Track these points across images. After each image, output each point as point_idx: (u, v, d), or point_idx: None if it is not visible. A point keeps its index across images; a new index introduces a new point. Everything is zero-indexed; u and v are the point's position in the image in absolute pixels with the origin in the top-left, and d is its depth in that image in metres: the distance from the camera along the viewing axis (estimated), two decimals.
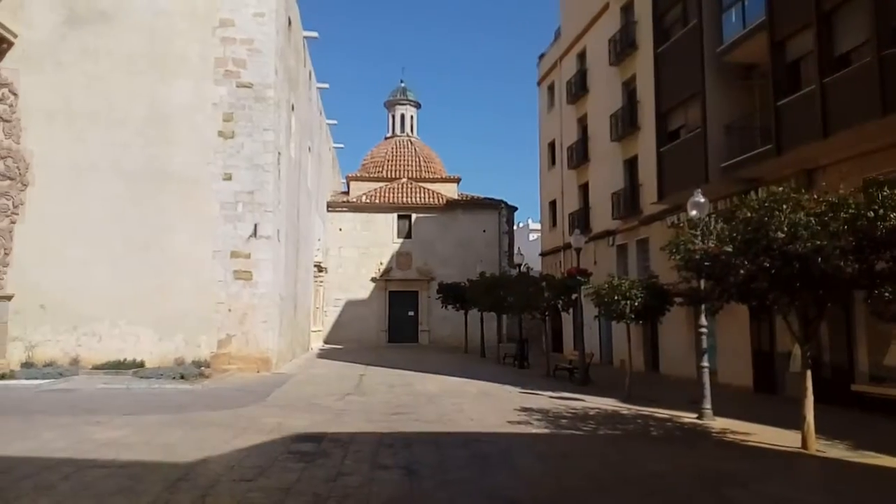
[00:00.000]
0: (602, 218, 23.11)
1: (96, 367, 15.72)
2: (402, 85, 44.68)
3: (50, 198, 16.53)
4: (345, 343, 32.51)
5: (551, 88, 29.47)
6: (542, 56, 31.00)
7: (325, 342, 32.89)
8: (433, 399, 12.61)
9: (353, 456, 7.39)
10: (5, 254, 16.33)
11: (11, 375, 14.39)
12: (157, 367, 15.58)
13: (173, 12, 17.46)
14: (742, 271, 7.95)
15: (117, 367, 15.70)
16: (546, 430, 9.42)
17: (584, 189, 25.45)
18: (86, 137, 16.87)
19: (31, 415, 9.81)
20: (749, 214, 8.01)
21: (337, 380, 16.07)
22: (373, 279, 35.04)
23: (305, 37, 24.65)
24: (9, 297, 16.16)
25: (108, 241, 16.52)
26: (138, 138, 17.04)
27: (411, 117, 44.13)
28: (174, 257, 16.74)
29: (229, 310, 16.84)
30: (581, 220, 24.53)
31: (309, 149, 26.71)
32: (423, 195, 36.61)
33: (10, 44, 16.80)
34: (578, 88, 25.62)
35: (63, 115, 16.85)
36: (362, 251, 35.07)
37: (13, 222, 16.44)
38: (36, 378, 14.10)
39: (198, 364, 16.02)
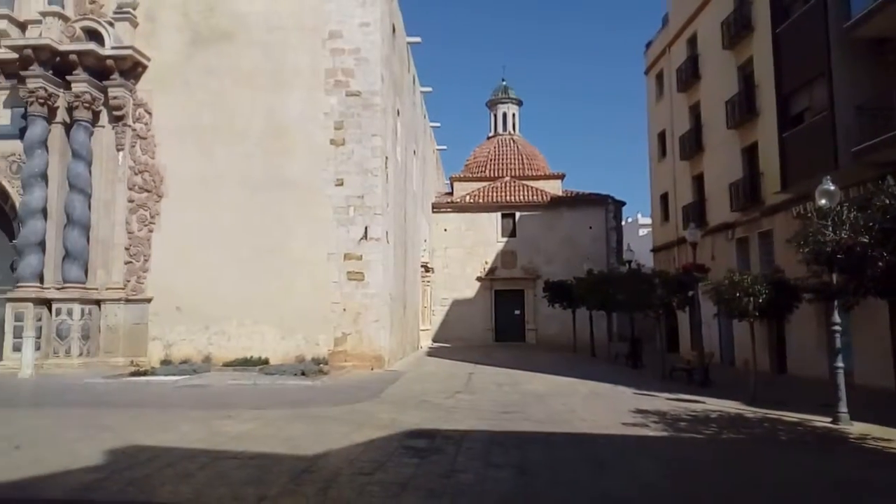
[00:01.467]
0: (719, 210, 21.95)
1: (226, 364, 16.89)
2: (504, 83, 44.62)
3: (182, 208, 17.96)
4: (452, 342, 32.93)
5: (660, 77, 28.35)
6: (649, 44, 29.90)
7: (434, 341, 33.46)
8: (542, 398, 12.51)
9: (465, 453, 7.48)
10: (145, 260, 17.92)
11: (152, 372, 15.76)
12: (280, 364, 16.50)
13: (287, 28, 18.43)
14: (881, 264, 7.29)
15: (245, 363, 16.79)
16: (663, 433, 9.08)
17: (698, 180, 24.28)
18: (212, 150, 18.17)
19: (170, 408, 10.69)
20: (887, 202, 7.33)
21: (446, 378, 16.32)
22: (478, 278, 35.24)
23: (409, 42, 25.22)
24: (149, 300, 17.74)
25: (235, 246, 17.70)
26: (259, 149, 18.14)
27: (513, 115, 43.99)
28: (293, 260, 17.66)
29: (344, 309, 17.54)
30: (696, 213, 23.40)
31: (414, 152, 27.29)
32: (526, 193, 36.39)
33: (145, 67, 18.41)
34: (689, 75, 24.48)
35: (191, 131, 18.24)
36: (467, 251, 35.36)
37: (151, 231, 18.00)
38: (173, 374, 15.33)
39: (317, 361, 16.82)
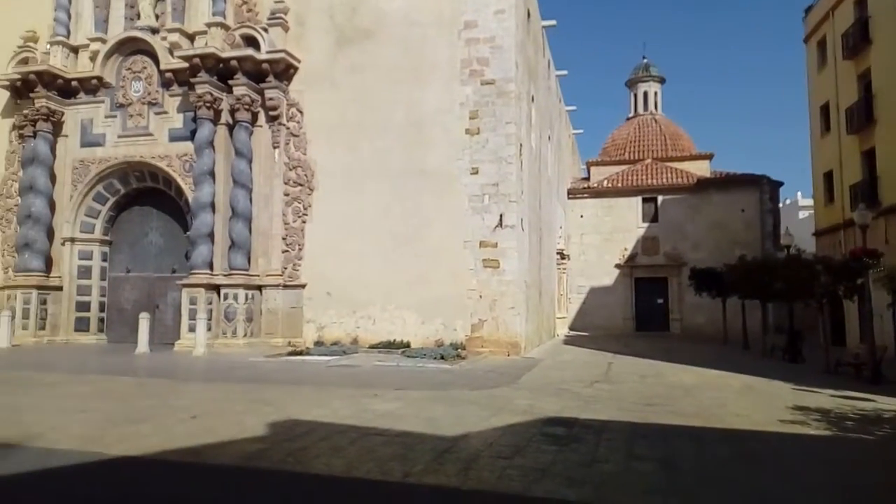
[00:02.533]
0: (893, 189, 19.59)
1: (372, 346, 17.80)
2: (645, 61, 42.77)
3: (330, 200, 19.10)
4: (589, 330, 32.26)
5: (822, 44, 25.72)
6: (808, 9, 27.20)
7: (570, 329, 33.00)
8: (690, 391, 11.92)
9: (606, 444, 7.33)
10: (299, 249, 19.28)
11: (307, 352, 16.98)
12: (420, 348, 17.12)
13: (424, 23, 18.89)
14: None
15: (388, 346, 17.60)
16: (827, 433, 8.32)
17: (868, 156, 21.82)
18: (357, 145, 19.11)
19: (324, 386, 11.46)
20: None
21: (584, 367, 16.04)
22: (617, 265, 34.17)
23: (544, 26, 24.87)
24: (303, 286, 19.10)
25: (378, 235, 18.55)
26: (398, 142, 18.82)
27: (655, 94, 42.05)
28: (431, 248, 18.19)
29: (480, 296, 17.80)
30: (866, 192, 21.05)
31: (549, 137, 26.93)
32: (669, 175, 34.65)
33: (296, 69, 19.71)
34: (858, 40, 21.99)
35: (338, 127, 19.29)
36: (605, 237, 34.37)
37: (304, 222, 19.32)
38: (325, 355, 16.42)
39: (455, 346, 17.24)
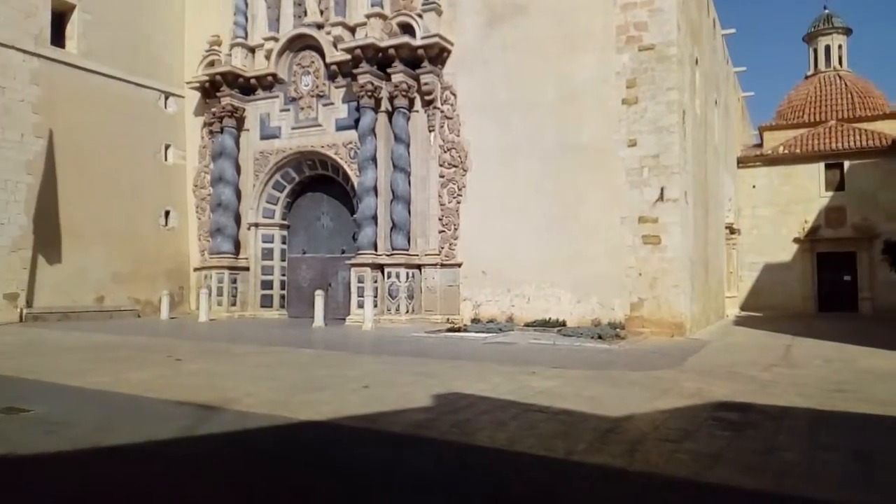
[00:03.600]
0: None
1: (527, 325, 17.89)
2: (826, 12, 38.35)
3: (483, 179, 19.33)
4: (763, 310, 29.86)
5: None
6: None
7: (741, 309, 30.78)
8: (884, 378, 10.66)
9: (786, 431, 6.80)
10: (455, 229, 19.78)
11: (465, 329, 17.47)
12: (576, 327, 16.91)
13: None
14: None
15: (543, 325, 17.58)
16: None
17: None
18: (508, 123, 19.13)
19: (483, 362, 11.74)
20: None
21: (758, 349, 14.91)
22: (795, 240, 31.21)
23: None
24: (459, 265, 19.61)
25: (531, 213, 18.51)
26: (550, 117, 18.55)
27: (839, 47, 37.57)
28: (586, 225, 17.81)
29: (639, 274, 17.15)
30: None
31: (715, 102, 25.09)
32: (858, 138, 30.86)
33: (449, 52, 20.07)
34: None
35: (490, 107, 19.41)
36: (780, 209, 31.47)
37: (458, 202, 19.76)
38: (482, 332, 16.78)
39: (613, 326, 16.81)
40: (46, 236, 20.79)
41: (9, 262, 19.87)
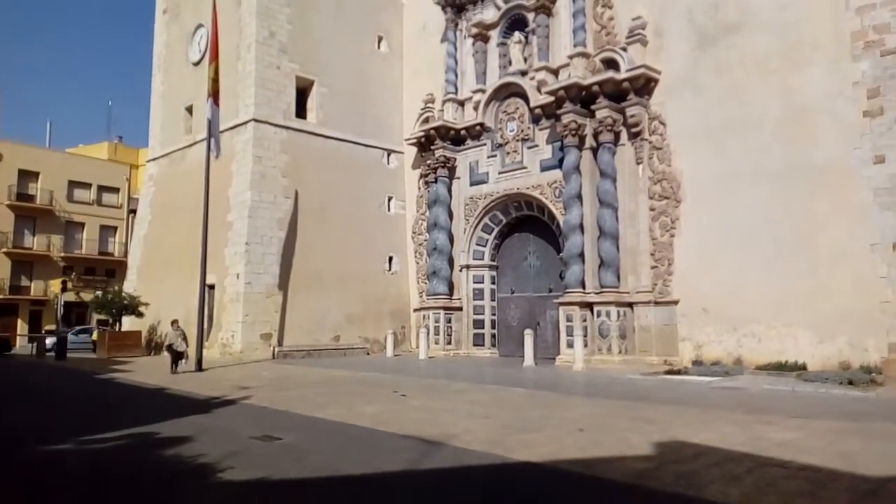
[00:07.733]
0: None
1: (758, 368, 16.19)
2: None
3: (698, 210, 18.20)
4: None
5: None
6: None
7: None
8: None
9: None
10: (668, 264, 18.78)
11: (685, 371, 16.33)
12: (819, 371, 14.91)
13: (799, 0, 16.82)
14: None
15: (778, 368, 15.78)
16: None
17: None
18: (724, 148, 17.89)
19: (708, 408, 10.84)
20: None
21: None
22: None
23: None
24: (675, 302, 18.51)
25: (757, 243, 16.94)
26: (774, 138, 17.00)
27: None
28: (825, 254, 15.83)
29: None
30: None
31: None
32: None
33: (656, 81, 19.46)
34: None
35: (703, 132, 18.35)
36: None
37: (672, 236, 18.78)
38: (705, 375, 15.53)
39: (866, 370, 14.56)
40: (293, 283, 23.82)
41: (265, 307, 23.07)
